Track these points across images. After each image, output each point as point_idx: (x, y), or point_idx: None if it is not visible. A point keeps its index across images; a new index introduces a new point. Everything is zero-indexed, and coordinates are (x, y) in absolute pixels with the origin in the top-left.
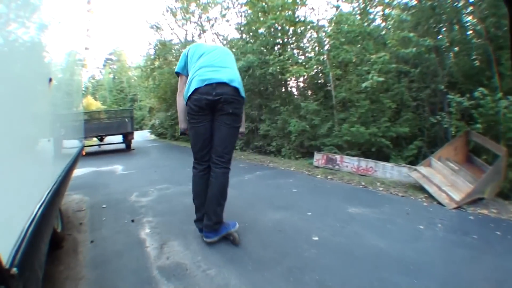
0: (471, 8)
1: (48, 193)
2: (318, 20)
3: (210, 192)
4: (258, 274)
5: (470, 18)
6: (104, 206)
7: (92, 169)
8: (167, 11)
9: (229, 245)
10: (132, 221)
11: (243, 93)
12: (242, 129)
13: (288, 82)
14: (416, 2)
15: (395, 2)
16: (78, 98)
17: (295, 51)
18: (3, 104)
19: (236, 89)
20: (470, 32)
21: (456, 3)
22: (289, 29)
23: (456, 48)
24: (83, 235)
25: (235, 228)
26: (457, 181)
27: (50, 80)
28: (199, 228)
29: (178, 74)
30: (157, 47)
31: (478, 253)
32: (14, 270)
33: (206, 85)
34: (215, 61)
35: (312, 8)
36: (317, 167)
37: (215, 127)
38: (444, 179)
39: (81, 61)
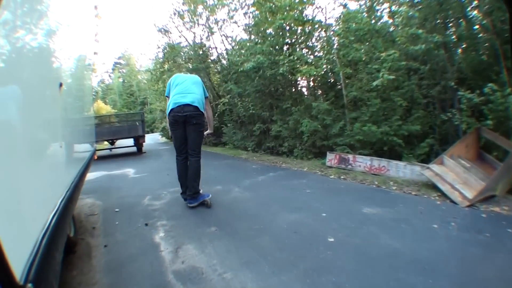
0: (475, 2)
1: (62, 200)
2: (326, 19)
3: (189, 173)
4: (275, 277)
5: (475, 12)
6: (117, 210)
7: (104, 173)
8: (175, 14)
9: (245, 248)
10: (146, 224)
11: (202, 109)
12: (210, 130)
13: (298, 82)
14: None
15: None
16: (89, 103)
17: (304, 50)
18: (15, 110)
19: (196, 107)
20: (477, 27)
21: None
22: (297, 29)
23: (464, 44)
24: (96, 240)
25: (208, 197)
26: (469, 179)
27: (61, 85)
28: (183, 198)
29: (167, 97)
30: (166, 50)
31: (491, 251)
32: (29, 286)
33: (177, 106)
34: (183, 89)
35: (320, 7)
36: (330, 167)
37: (187, 132)
38: (457, 177)
39: (90, 65)
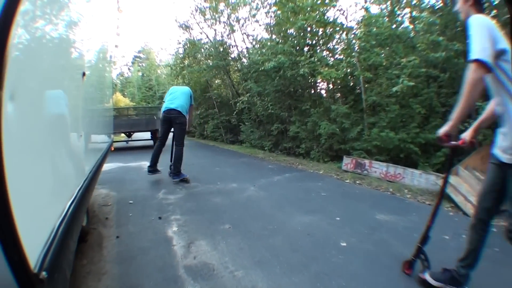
0: (494, 11)
1: (80, 189)
2: (347, 22)
3: (173, 157)
4: (286, 277)
5: (494, 22)
6: (131, 201)
7: (120, 165)
8: (196, 10)
9: (258, 248)
10: (160, 218)
11: (184, 113)
12: (188, 128)
13: (318, 84)
14: (441, 4)
15: (423, 5)
16: (108, 94)
17: (325, 52)
18: (41, 98)
19: (179, 111)
20: None
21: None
22: (318, 30)
23: None
24: (109, 230)
25: (187, 176)
26: None
27: (83, 74)
28: (149, 171)
29: (163, 101)
30: (186, 46)
31: (500, 266)
32: (44, 274)
33: (166, 109)
34: (173, 98)
35: (341, 10)
36: (346, 171)
37: (173, 129)
38: (470, 188)
39: (111, 58)
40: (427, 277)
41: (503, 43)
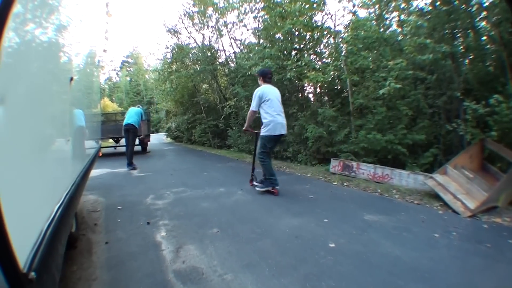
0: (484, 13)
1: (67, 193)
2: (335, 26)
3: (127, 153)
4: (275, 280)
5: (484, 23)
6: (119, 207)
7: (108, 170)
8: (185, 15)
9: (246, 251)
10: (148, 223)
11: (137, 125)
12: (141, 134)
13: (305, 88)
14: (431, 7)
15: (411, 8)
16: (96, 99)
17: (312, 56)
18: (27, 100)
19: (133, 125)
20: (485, 37)
21: (470, 8)
22: (306, 34)
23: (471, 55)
24: (98, 236)
25: (135, 166)
26: (472, 190)
27: (71, 79)
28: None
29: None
30: (174, 51)
31: (492, 261)
32: (32, 274)
33: (126, 123)
34: (129, 116)
35: (329, 14)
36: (334, 173)
37: (129, 135)
38: (459, 187)
39: (99, 62)
40: (255, 183)
41: (266, 96)
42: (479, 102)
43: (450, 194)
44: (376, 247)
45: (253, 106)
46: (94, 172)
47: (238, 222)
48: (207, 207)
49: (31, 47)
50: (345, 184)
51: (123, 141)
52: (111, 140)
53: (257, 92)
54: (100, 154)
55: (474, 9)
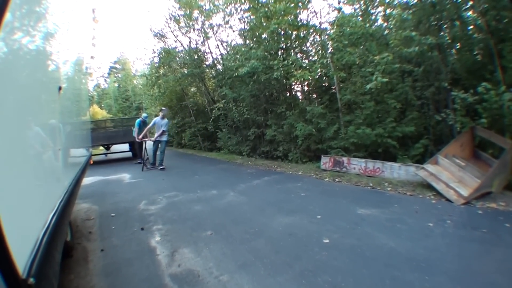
0: (471, 2)
1: (61, 201)
2: (320, 23)
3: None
4: (271, 278)
5: (470, 13)
6: (113, 214)
7: (100, 178)
8: (171, 18)
9: (241, 251)
10: (142, 229)
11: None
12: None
13: (293, 87)
14: (416, 0)
15: (396, 2)
16: (85, 107)
17: (299, 55)
18: (17, 113)
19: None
20: (471, 27)
21: None
22: (292, 33)
23: (458, 45)
24: (93, 244)
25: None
26: (464, 177)
27: (60, 88)
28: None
29: None
30: (161, 55)
31: (489, 246)
32: (31, 280)
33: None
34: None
35: (314, 12)
36: (325, 170)
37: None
38: (452, 175)
39: (87, 69)
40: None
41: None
42: (468, 91)
43: (443, 183)
44: (371, 240)
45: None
46: (86, 180)
47: (232, 223)
48: (200, 210)
49: (18, 56)
50: (336, 180)
51: (113, 148)
52: (102, 148)
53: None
54: (91, 162)
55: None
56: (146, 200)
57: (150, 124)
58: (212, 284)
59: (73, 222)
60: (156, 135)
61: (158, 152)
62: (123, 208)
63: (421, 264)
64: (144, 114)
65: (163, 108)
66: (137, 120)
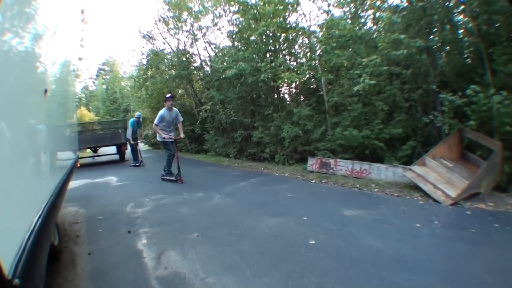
0: (462, 6)
1: (46, 204)
2: (309, 26)
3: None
4: (257, 280)
5: (461, 17)
6: (100, 217)
7: (87, 181)
8: (160, 20)
9: (227, 253)
10: (129, 232)
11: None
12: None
13: (280, 89)
14: (406, 4)
15: (385, 5)
16: (72, 109)
17: (287, 57)
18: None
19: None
20: (462, 30)
21: (447, 3)
22: (280, 35)
23: (448, 48)
24: (80, 248)
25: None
26: (452, 178)
27: (46, 91)
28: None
29: None
30: (149, 57)
31: (478, 246)
32: (16, 281)
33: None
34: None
35: (303, 14)
36: (311, 171)
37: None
38: (439, 176)
39: (75, 71)
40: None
41: (163, 118)
42: (456, 94)
43: (430, 184)
44: (357, 241)
45: (156, 121)
46: (73, 184)
47: (218, 226)
48: (186, 212)
49: (6, 58)
50: (323, 181)
51: (101, 151)
52: (89, 150)
53: (160, 112)
54: (78, 165)
55: (451, 3)
56: (133, 203)
57: (156, 120)
58: (198, 286)
59: (61, 226)
60: (164, 133)
61: (167, 158)
62: (110, 211)
63: (409, 265)
64: (137, 113)
65: (168, 96)
66: (131, 120)
